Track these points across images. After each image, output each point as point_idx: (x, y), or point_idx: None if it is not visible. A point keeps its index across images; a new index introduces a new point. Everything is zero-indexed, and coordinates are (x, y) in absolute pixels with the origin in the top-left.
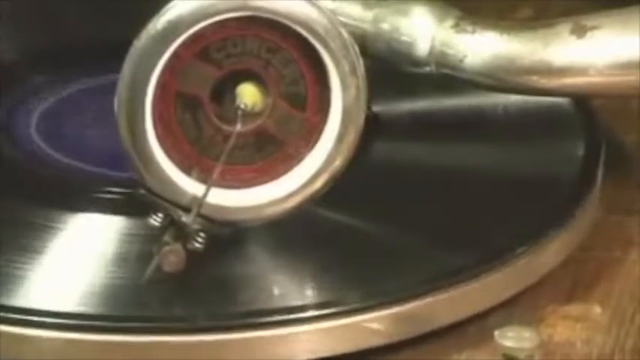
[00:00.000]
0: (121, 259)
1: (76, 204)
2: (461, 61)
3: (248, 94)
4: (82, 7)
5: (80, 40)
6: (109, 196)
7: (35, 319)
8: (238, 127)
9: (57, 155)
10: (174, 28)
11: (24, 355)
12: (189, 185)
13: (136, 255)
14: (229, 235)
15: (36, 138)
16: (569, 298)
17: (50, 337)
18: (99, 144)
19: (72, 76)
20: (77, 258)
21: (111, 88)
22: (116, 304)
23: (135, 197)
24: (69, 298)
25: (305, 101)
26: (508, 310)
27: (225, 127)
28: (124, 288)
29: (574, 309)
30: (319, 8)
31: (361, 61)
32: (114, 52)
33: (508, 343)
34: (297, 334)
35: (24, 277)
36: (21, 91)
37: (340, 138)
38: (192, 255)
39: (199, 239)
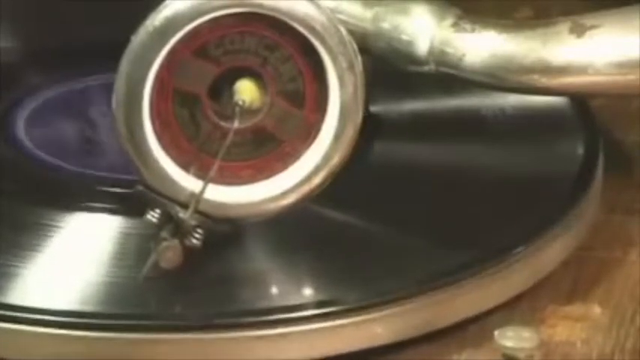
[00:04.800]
0: (119, 258)
1: (74, 203)
2: (460, 59)
3: (246, 91)
4: (82, 7)
5: (80, 40)
6: (107, 195)
7: (33, 317)
8: (236, 123)
9: (55, 155)
10: (171, 25)
11: (22, 353)
12: (187, 181)
13: (134, 253)
14: (227, 232)
15: (34, 137)
16: (570, 298)
17: (48, 335)
18: (98, 143)
19: (71, 76)
20: (75, 256)
21: (110, 88)
22: (114, 302)
23: (133, 196)
24: (67, 296)
25: (303, 98)
26: (508, 310)
27: (223, 124)
28: (122, 286)
29: (574, 309)
30: (317, 5)
31: (359, 59)
32: (113, 52)
33: (508, 343)
34: (296, 333)
35: (22, 275)
36: (20, 90)
37: (338, 135)
38: (190, 253)
39: (197, 235)
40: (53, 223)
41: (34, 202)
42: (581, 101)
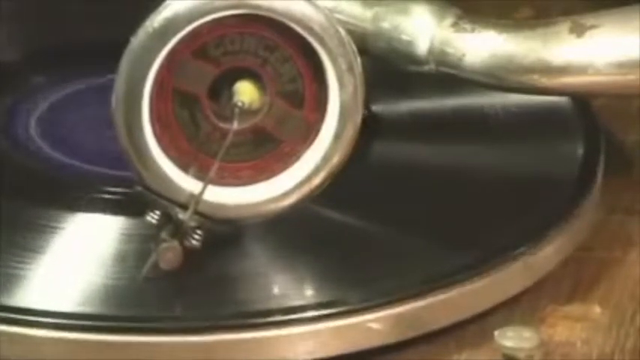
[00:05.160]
0: (120, 259)
1: (74, 204)
2: (460, 59)
3: (245, 92)
4: (82, 7)
5: (80, 40)
6: (107, 195)
7: (34, 318)
8: (235, 124)
9: (56, 155)
10: (171, 26)
11: (23, 355)
12: (187, 182)
13: (135, 254)
14: (226, 233)
15: (35, 138)
16: (570, 298)
17: (49, 337)
18: (98, 143)
19: (72, 76)
20: (76, 258)
21: (110, 88)
22: (114, 303)
23: (134, 197)
24: (68, 297)
25: (302, 99)
26: (508, 310)
27: (223, 125)
28: (123, 288)
29: (574, 309)
30: (316, 6)
31: (358, 59)
32: (114, 52)
33: (508, 343)
34: (296, 334)
35: (23, 276)
36: (21, 91)
37: (338, 135)
38: (191, 254)
39: (196, 237)
40: (54, 223)
41: (34, 202)
42: (582, 101)
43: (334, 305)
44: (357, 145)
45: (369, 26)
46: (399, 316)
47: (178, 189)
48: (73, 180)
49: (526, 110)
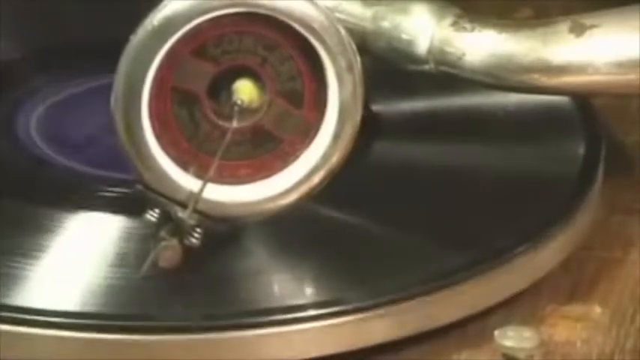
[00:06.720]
0: (120, 259)
1: (75, 203)
2: (459, 59)
3: (244, 91)
4: (82, 7)
5: (80, 40)
6: (108, 195)
7: (34, 318)
8: (235, 123)
9: (56, 155)
10: (170, 24)
11: (24, 354)
12: (186, 181)
13: (135, 254)
14: (226, 232)
15: (35, 138)
16: (570, 298)
17: (49, 336)
18: (98, 143)
19: (72, 76)
20: (76, 257)
21: (110, 88)
22: (115, 303)
23: (134, 196)
24: (68, 297)
25: (302, 98)
26: (508, 310)
27: (222, 124)
28: (123, 287)
29: (574, 309)
30: (316, 5)
31: (358, 58)
32: (114, 52)
33: (508, 343)
34: (296, 333)
35: (23, 276)
36: (21, 91)
37: (337, 135)
38: (191, 253)
39: (196, 235)
40: (54, 223)
41: (34, 202)
42: (583, 101)
43: (334, 304)
44: (356, 144)
45: (368, 25)
46: (398, 316)
47: (178, 187)
48: (73, 179)
49: (526, 110)
